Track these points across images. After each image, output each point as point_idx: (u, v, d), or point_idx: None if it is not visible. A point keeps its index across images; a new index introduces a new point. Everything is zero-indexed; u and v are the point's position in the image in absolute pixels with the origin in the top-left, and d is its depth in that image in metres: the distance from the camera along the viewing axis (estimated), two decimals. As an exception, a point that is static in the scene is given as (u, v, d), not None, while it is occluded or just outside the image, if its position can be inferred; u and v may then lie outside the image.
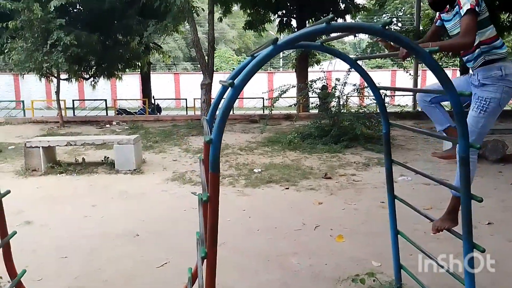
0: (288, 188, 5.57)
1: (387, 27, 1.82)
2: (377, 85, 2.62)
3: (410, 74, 15.58)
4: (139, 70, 15.36)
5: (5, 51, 11.11)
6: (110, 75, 13.25)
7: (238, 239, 3.75)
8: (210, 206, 1.57)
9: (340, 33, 2.23)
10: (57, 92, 12.00)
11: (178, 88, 26.82)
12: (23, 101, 16.28)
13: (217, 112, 1.87)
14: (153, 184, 5.96)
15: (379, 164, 6.86)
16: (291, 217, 4.41)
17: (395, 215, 2.68)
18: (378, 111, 3.11)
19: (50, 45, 9.99)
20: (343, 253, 3.42)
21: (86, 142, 7.13)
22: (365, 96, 11.11)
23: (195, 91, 21.29)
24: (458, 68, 18.64)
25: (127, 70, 14.16)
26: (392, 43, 2.77)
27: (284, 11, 13.67)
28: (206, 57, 10.93)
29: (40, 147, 6.56)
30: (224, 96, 1.95)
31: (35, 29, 10.07)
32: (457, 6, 2.38)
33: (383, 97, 3.76)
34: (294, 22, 14.46)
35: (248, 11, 13.76)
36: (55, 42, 9.94)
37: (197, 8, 9.73)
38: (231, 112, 14.93)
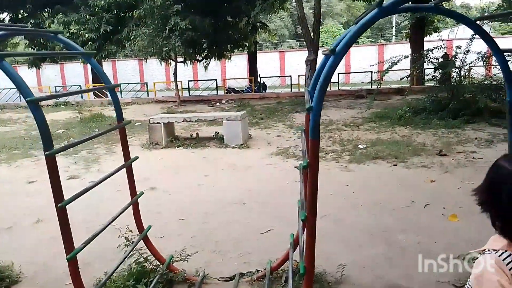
0: (396, 165, 5.30)
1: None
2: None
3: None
4: (247, 50, 15.86)
5: (131, 37, 12.44)
6: (221, 56, 13.96)
7: (341, 212, 3.74)
8: (310, 171, 1.60)
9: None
10: (175, 74, 13.12)
11: (283, 66, 27.00)
12: (146, 83, 18.13)
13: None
14: (259, 158, 6.22)
15: (505, 141, 6.06)
16: (398, 194, 4.22)
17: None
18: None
19: (169, 30, 10.92)
20: (456, 233, 3.17)
21: (199, 119, 7.72)
22: (493, 65, 9.77)
23: (300, 68, 21.27)
24: None
25: (235, 50, 14.74)
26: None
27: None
28: (312, 33, 10.78)
29: (161, 123, 7.32)
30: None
31: (155, 16, 11.08)
32: None
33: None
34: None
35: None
36: (172, 27, 10.82)
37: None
38: (335, 88, 14.59)
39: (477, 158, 5.38)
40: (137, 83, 19.57)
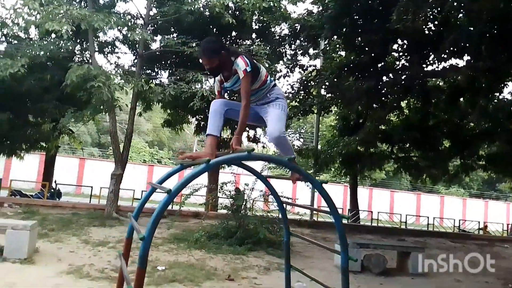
0: (190, 289, 5.65)
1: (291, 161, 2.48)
2: (281, 197, 3.25)
3: (308, 186, 17.26)
4: (45, 152, 14.67)
5: None
6: (12, 153, 12.44)
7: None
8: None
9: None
10: None
11: (81, 174, 25.55)
12: None
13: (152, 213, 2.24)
14: (46, 276, 5.59)
15: (279, 269, 7.30)
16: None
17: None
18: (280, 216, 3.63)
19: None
20: None
21: (-26, 225, 6.50)
22: (270, 202, 11.94)
23: (100, 179, 20.59)
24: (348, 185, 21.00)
25: (32, 151, 13.45)
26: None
27: (202, 116, 14.74)
28: (122, 149, 11.07)
29: None
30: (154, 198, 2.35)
31: None
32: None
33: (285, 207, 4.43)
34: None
35: (168, 111, 14.55)
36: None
37: (120, 104, 10.17)
38: (136, 204, 14.57)
39: (258, 284, 6.28)
40: None
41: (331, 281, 6.77)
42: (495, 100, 13.43)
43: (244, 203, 10.15)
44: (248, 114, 2.99)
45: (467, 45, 10.86)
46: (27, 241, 6.24)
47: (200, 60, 3.61)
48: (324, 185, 2.60)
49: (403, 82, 12.87)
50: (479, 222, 21.28)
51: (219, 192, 10.52)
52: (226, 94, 3.50)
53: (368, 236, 12.53)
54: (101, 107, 9.42)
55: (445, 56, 11.87)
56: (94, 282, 5.54)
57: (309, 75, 14.43)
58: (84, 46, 12.25)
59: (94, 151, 37.38)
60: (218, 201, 14.50)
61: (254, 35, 13.90)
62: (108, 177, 11.09)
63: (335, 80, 12.93)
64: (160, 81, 13.70)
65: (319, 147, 16.31)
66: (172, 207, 14.24)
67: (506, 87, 13.55)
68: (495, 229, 20.93)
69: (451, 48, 11.29)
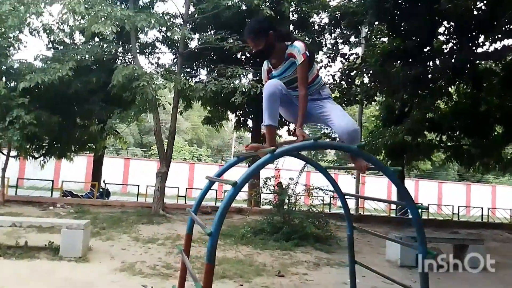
0: (242, 285, 5.57)
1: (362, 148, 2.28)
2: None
3: (353, 176, 16.80)
4: (93, 153, 15.22)
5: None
6: (62, 155, 12.98)
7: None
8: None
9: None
10: (4, 169, 11.51)
11: (126, 174, 26.38)
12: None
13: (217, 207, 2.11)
14: (101, 274, 5.70)
15: (328, 265, 7.09)
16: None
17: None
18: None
19: (8, 122, 9.86)
20: None
21: (32, 224, 6.77)
22: (314, 196, 11.68)
23: (144, 177, 21.11)
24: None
25: (81, 152, 14.00)
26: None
27: (241, 112, 14.71)
28: (166, 147, 11.23)
29: (-20, 227, 6.14)
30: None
31: (-5, 105, 10.01)
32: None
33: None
34: (250, 122, 15.49)
35: (208, 108, 14.64)
36: (13, 119, 9.84)
37: (163, 103, 10.30)
38: (180, 202, 14.77)
39: (309, 280, 6.10)
40: None
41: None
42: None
43: (288, 198, 9.99)
44: (307, 103, 2.73)
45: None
46: (81, 239, 6.40)
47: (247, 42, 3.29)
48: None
49: (452, 66, 12.16)
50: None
51: (263, 187, 10.40)
52: None
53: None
54: (145, 106, 9.57)
55: (499, 36, 11.08)
56: (147, 279, 5.58)
57: (353, 63, 13.96)
58: (126, 48, 12.52)
59: (137, 151, 38.58)
60: (261, 197, 14.44)
61: (292, 27, 13.64)
62: (151, 176, 11.31)
63: (380, 67, 12.42)
64: (199, 78, 13.79)
65: (362, 138, 15.82)
66: (215, 204, 14.39)
67: None
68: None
69: (506, 27, 10.53)
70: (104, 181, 15.56)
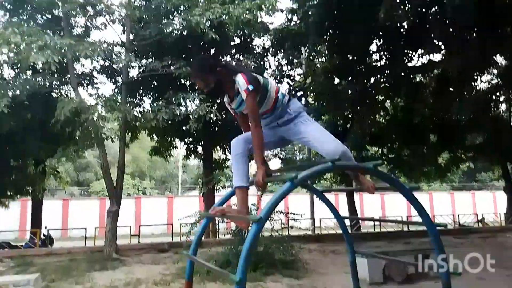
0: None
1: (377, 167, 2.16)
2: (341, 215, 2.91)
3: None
4: (31, 197, 13.82)
5: None
6: (-4, 202, 11.60)
7: None
8: None
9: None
10: None
11: (66, 216, 24.31)
12: None
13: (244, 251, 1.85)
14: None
15: (303, 291, 6.88)
16: None
17: None
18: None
19: None
20: None
21: (-32, 288, 5.81)
22: (274, 220, 11.43)
23: (87, 219, 19.63)
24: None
25: (18, 196, 12.61)
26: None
27: (191, 139, 14.28)
28: (115, 184, 10.45)
29: None
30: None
31: None
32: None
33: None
34: (200, 149, 15.09)
35: (156, 138, 14.04)
36: None
37: (110, 135, 9.62)
38: (132, 241, 13.83)
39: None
40: None
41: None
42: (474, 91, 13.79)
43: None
44: (262, 139, 2.57)
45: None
46: (31, 298, 5.62)
47: (194, 82, 3.15)
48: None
49: (388, 81, 12.95)
50: (476, 215, 21.37)
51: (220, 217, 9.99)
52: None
53: (375, 243, 12.18)
54: (91, 141, 8.86)
55: (426, 51, 12.08)
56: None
57: (303, 83, 14.23)
58: (63, 80, 11.66)
59: (74, 190, 36.03)
60: (219, 226, 13.99)
61: (233, 50, 13.69)
62: (94, 216, 10.44)
63: (321, 85, 12.89)
64: (143, 108, 13.21)
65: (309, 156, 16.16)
66: (172, 239, 13.61)
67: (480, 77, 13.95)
68: (492, 219, 21.10)
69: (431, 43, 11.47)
70: (46, 227, 14.08)
